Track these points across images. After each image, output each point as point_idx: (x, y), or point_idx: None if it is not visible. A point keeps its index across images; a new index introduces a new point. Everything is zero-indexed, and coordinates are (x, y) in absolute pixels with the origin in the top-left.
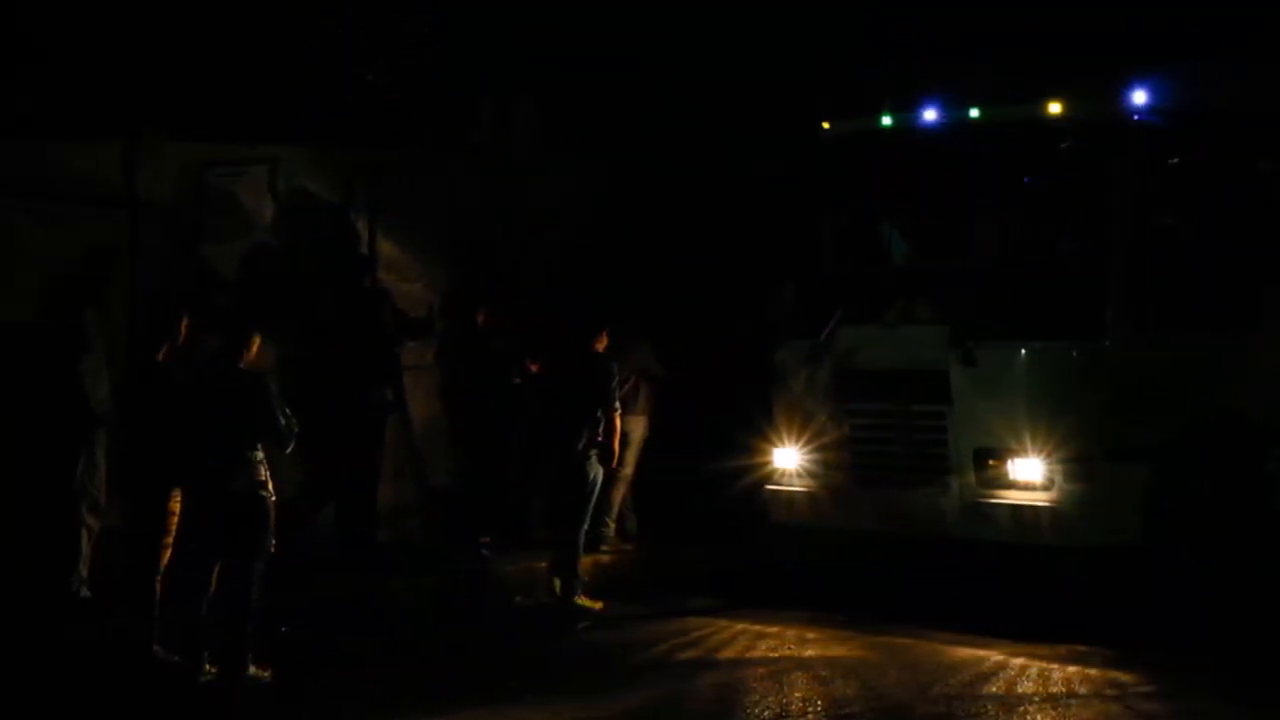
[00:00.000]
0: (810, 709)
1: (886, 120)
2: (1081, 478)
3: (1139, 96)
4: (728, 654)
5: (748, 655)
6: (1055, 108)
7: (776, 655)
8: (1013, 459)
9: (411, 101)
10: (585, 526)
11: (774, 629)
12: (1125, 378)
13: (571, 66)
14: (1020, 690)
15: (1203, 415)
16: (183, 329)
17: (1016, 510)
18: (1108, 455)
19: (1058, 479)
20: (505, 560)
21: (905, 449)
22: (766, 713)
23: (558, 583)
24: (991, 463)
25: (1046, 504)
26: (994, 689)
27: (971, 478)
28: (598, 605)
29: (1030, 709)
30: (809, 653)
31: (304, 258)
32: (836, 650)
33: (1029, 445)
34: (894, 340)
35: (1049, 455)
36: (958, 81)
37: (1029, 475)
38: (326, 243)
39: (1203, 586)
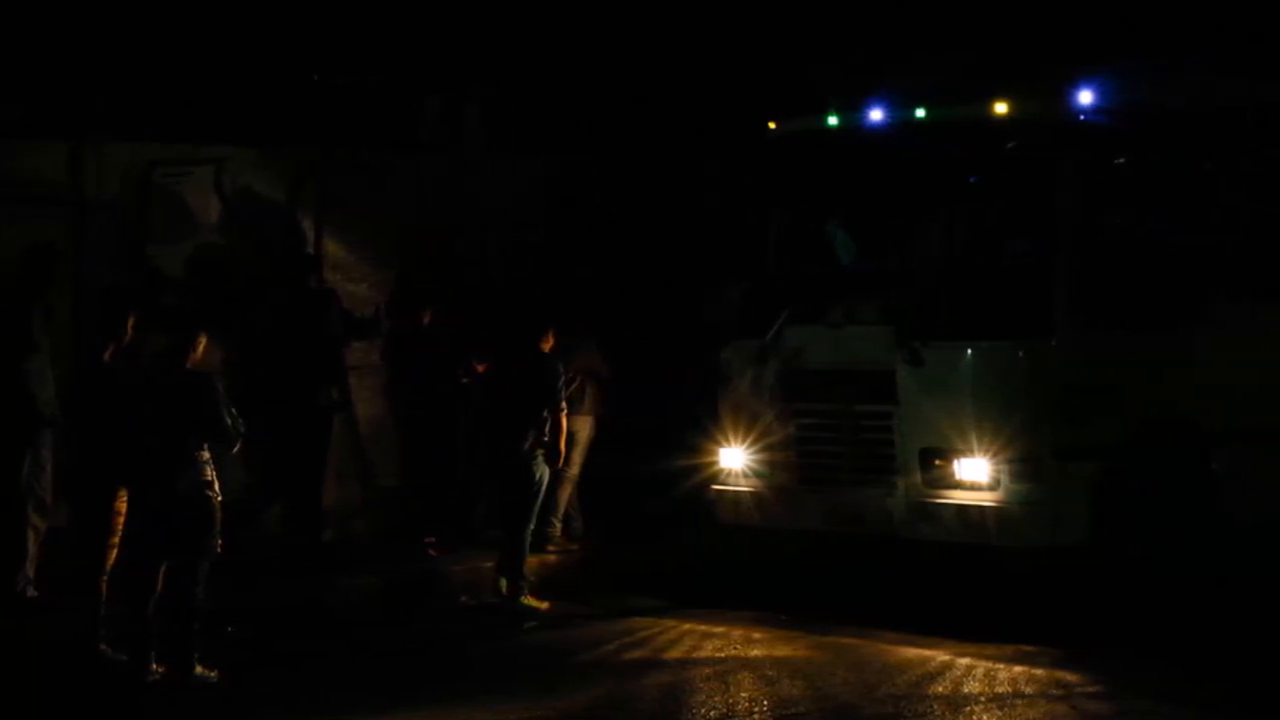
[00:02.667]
0: (757, 709)
1: (832, 120)
2: (1028, 478)
3: (1085, 96)
4: (674, 654)
5: (694, 655)
6: (1001, 107)
7: (723, 655)
8: (959, 459)
9: (358, 101)
10: (531, 526)
11: (720, 629)
12: (1072, 377)
13: (518, 66)
14: (966, 690)
15: (1150, 415)
16: (129, 328)
17: (963, 510)
18: (1054, 455)
19: (1004, 479)
20: (451, 560)
21: (851, 449)
22: (713, 713)
23: (504, 583)
24: (938, 463)
25: (993, 504)
26: (940, 689)
27: (917, 478)
28: (544, 605)
29: (977, 709)
30: (755, 653)
31: (250, 258)
32: (783, 650)
33: (975, 445)
34: (840, 340)
35: (995, 455)
36: (905, 81)
37: (975, 475)
38: (272, 243)
39: (1149, 586)
